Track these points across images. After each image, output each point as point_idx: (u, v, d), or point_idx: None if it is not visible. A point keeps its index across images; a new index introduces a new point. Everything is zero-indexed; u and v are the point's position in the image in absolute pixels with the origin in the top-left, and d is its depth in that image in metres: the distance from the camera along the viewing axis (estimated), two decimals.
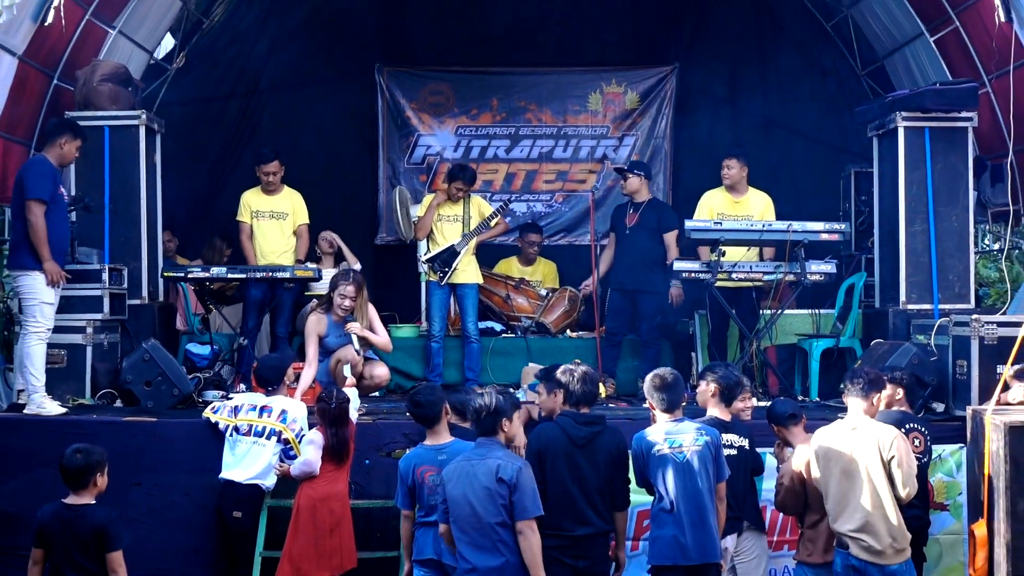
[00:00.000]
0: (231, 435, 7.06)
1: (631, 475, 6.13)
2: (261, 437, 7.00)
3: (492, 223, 9.49)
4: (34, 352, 7.66)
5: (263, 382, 7.38)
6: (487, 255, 10.22)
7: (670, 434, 6.04)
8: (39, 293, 7.64)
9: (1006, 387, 6.95)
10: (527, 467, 5.65)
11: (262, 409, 7.11)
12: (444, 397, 6.53)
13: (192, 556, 7.14)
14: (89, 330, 8.07)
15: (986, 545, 6.21)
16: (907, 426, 6.77)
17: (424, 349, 9.47)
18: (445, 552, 5.92)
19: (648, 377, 6.29)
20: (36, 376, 7.65)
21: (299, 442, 6.96)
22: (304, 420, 7.10)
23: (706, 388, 6.76)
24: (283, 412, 7.08)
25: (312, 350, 8.06)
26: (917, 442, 6.78)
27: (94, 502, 5.78)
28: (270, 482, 6.96)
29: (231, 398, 7.60)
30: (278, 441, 7.00)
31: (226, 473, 6.97)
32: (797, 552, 6.55)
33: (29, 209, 7.53)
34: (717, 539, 6.11)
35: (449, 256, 9.27)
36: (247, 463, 6.95)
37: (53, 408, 7.64)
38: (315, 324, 8.10)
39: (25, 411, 7.63)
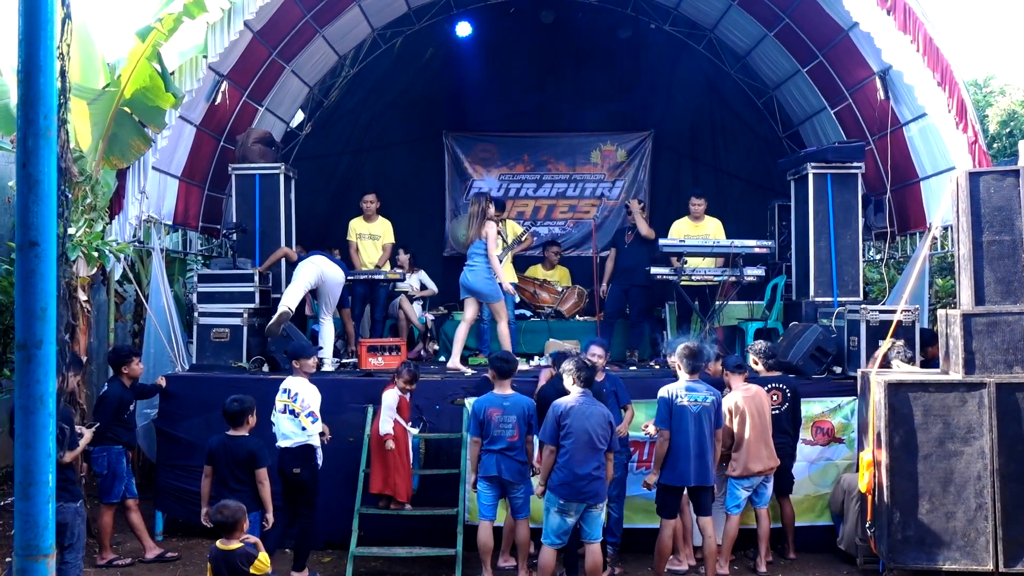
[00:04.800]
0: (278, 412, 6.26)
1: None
2: (286, 414, 6.17)
3: (523, 240, 9.36)
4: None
5: (289, 358, 6.54)
6: (520, 263, 10.11)
7: (689, 391, 6.00)
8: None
9: (887, 362, 6.80)
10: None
11: (284, 390, 6.28)
12: (518, 363, 6.51)
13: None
14: (245, 315, 8.04)
15: (871, 467, 6.08)
16: (771, 385, 6.73)
17: (476, 328, 9.33)
18: (504, 470, 5.93)
19: (680, 346, 6.21)
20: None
21: (304, 415, 6.11)
22: (311, 397, 6.20)
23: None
24: (296, 394, 6.20)
25: None
26: (775, 396, 6.67)
27: (247, 434, 5.84)
28: (315, 441, 6.17)
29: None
30: (293, 415, 6.15)
31: (279, 443, 6.21)
32: (728, 470, 6.44)
33: None
34: (712, 469, 6.03)
35: None
36: (288, 435, 6.16)
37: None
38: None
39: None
